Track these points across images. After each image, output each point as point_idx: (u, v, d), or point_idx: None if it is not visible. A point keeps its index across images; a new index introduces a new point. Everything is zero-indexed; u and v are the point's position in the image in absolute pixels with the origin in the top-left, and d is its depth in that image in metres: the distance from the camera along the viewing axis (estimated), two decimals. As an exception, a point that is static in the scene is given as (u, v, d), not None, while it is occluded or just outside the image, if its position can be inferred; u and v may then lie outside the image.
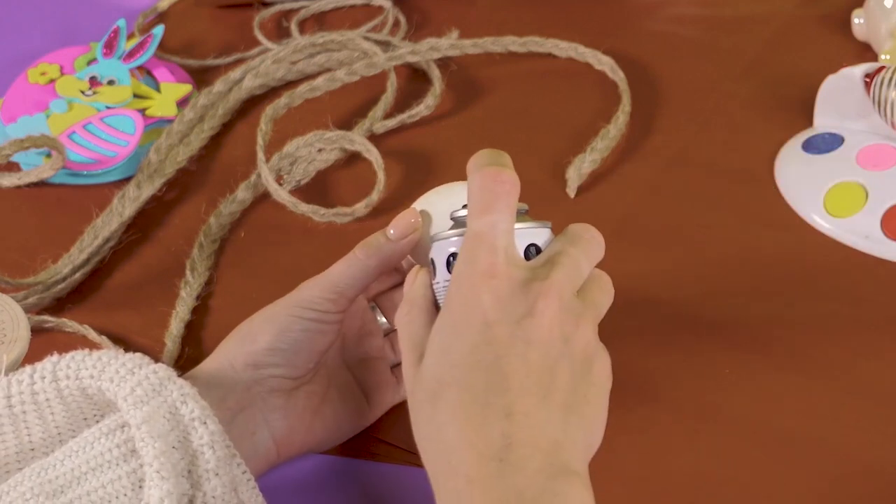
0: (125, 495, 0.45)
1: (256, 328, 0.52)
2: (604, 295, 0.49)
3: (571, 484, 0.42)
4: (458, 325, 0.45)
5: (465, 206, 0.49)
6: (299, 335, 0.52)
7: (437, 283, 0.49)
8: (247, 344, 0.52)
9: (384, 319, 0.57)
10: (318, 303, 0.52)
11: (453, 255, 0.49)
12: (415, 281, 0.49)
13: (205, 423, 0.47)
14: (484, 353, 0.44)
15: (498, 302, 0.45)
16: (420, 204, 0.54)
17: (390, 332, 0.57)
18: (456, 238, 0.49)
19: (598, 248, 0.49)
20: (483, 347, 0.44)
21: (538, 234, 0.49)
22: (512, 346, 0.44)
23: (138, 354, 0.49)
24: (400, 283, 0.55)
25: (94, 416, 0.49)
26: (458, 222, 0.50)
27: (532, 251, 0.48)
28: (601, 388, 0.47)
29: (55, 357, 0.48)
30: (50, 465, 0.46)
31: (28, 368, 0.48)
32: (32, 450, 0.48)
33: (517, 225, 0.48)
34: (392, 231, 0.52)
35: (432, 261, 0.50)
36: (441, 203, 0.53)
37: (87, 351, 0.48)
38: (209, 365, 0.52)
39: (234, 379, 0.51)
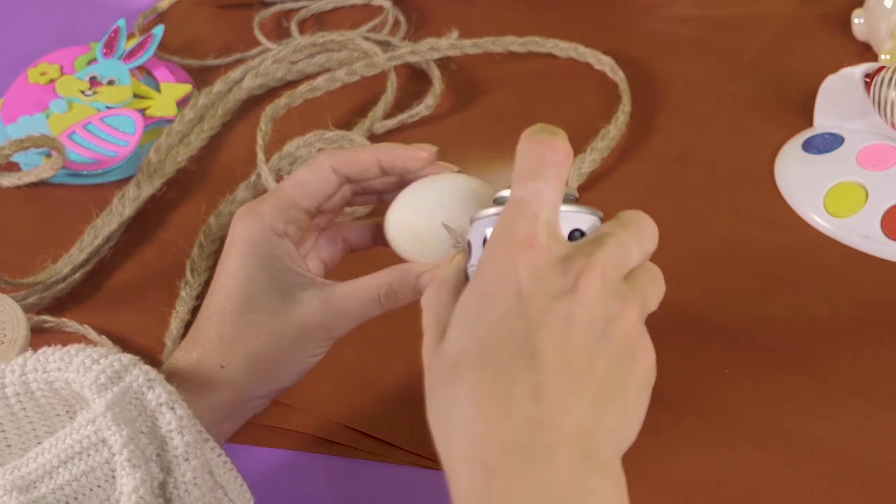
0: (99, 486, 0.45)
1: None
2: (654, 287, 0.43)
3: (605, 479, 0.39)
4: (487, 295, 0.41)
5: (508, 188, 0.44)
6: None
7: (472, 265, 0.45)
8: None
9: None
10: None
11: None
12: (450, 263, 0.45)
13: (172, 408, 0.45)
14: (514, 326, 0.40)
15: (535, 274, 0.40)
16: (401, 198, 0.51)
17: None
18: (496, 217, 0.44)
19: (650, 236, 0.44)
20: (513, 320, 0.40)
21: (585, 220, 0.44)
22: (546, 321, 0.40)
23: (105, 347, 0.48)
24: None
25: (67, 412, 0.48)
26: (500, 202, 0.45)
27: (577, 236, 0.44)
28: (643, 381, 0.42)
29: (28, 353, 0.48)
30: (23, 463, 0.45)
31: None
32: (9, 446, 0.48)
33: (564, 207, 0.43)
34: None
35: (469, 242, 0.46)
36: (424, 190, 0.51)
37: (57, 346, 0.48)
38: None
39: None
